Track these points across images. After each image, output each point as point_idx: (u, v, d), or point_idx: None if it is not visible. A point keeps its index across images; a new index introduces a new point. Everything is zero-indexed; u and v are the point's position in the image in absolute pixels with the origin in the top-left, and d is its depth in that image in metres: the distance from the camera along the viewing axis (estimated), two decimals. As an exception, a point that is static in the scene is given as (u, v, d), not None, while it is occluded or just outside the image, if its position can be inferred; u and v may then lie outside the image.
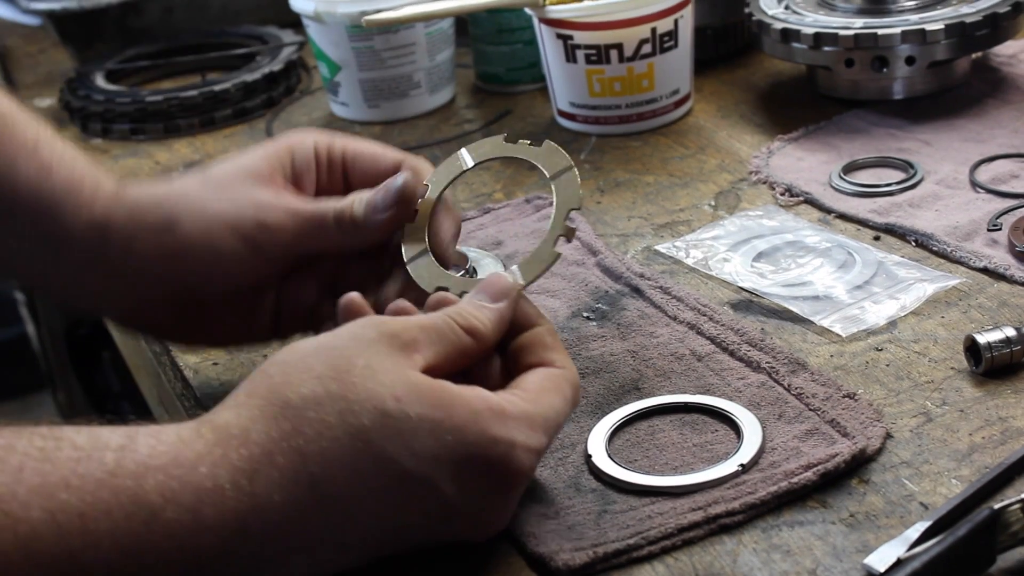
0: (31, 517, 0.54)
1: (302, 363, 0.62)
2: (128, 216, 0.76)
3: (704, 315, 0.83)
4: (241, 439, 0.59)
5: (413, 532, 0.62)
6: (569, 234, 0.73)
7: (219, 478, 0.58)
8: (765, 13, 1.13)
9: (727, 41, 1.26)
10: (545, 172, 0.75)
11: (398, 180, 0.76)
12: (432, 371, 0.63)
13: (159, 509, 0.56)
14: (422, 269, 0.75)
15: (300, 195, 0.78)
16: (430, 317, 0.66)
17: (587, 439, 0.73)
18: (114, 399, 2.04)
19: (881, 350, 0.79)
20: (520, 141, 0.77)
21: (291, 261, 0.77)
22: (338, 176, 0.79)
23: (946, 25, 1.04)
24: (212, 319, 0.67)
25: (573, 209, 0.73)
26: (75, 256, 0.77)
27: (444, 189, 0.78)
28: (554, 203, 0.74)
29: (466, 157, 0.78)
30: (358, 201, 0.76)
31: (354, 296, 0.70)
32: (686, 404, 0.75)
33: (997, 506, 0.61)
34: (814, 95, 1.15)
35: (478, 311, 0.67)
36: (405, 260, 0.76)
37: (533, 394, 0.65)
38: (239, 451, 0.59)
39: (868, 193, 0.97)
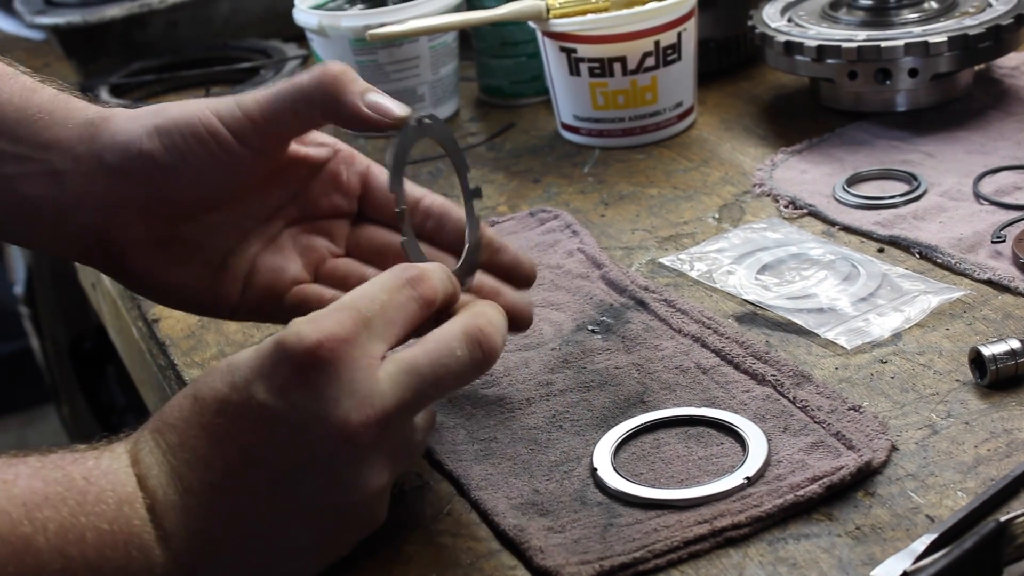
0: None
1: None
2: (120, 112, 0.77)
3: (709, 328, 0.83)
4: (129, 435, 0.65)
5: (301, 473, 0.62)
6: (477, 193, 0.78)
7: (121, 459, 0.63)
8: (768, 26, 1.13)
9: (730, 54, 1.27)
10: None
11: (401, 107, 0.76)
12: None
13: (85, 490, 0.60)
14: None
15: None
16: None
17: (593, 452, 0.73)
18: (119, 413, 2.04)
19: (886, 362, 0.79)
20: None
21: (269, 156, 0.75)
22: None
23: (949, 37, 1.05)
24: (182, 248, 0.69)
25: (464, 168, 0.79)
26: (54, 161, 0.75)
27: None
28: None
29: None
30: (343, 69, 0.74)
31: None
32: (691, 417, 0.75)
33: (1003, 518, 0.61)
34: (817, 107, 1.16)
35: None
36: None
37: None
38: (126, 442, 0.65)
39: (872, 205, 0.97)
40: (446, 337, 0.65)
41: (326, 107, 0.73)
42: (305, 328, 0.62)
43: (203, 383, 0.64)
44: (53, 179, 0.75)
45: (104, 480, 0.61)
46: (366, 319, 0.64)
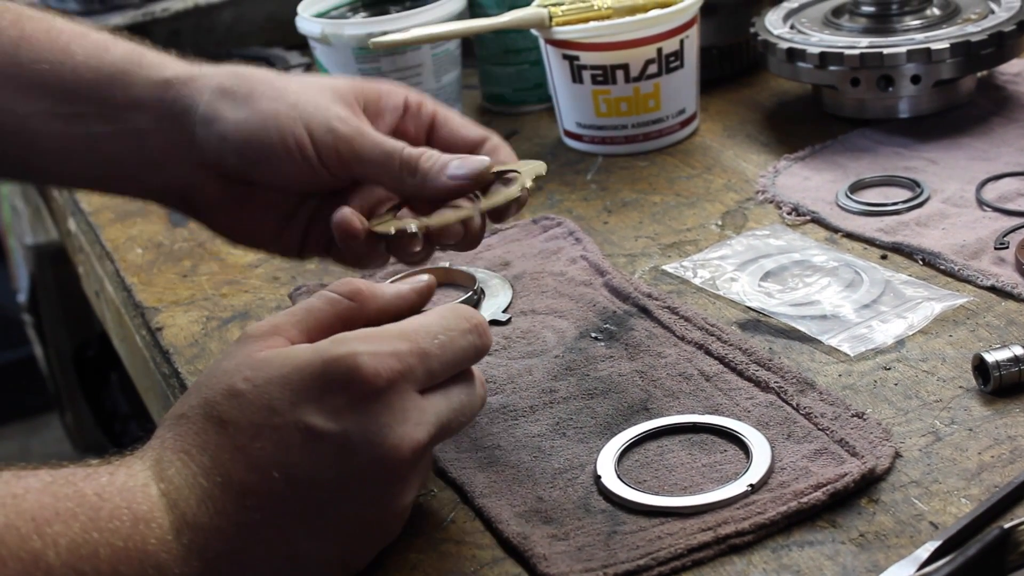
0: None
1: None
2: (200, 77, 0.79)
3: (712, 335, 0.83)
4: (143, 453, 0.64)
5: (344, 492, 0.63)
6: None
7: (138, 477, 0.62)
8: (771, 33, 1.13)
9: (733, 61, 1.27)
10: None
11: (484, 161, 0.78)
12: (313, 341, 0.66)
13: (98, 506, 0.59)
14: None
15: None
16: (308, 300, 0.69)
17: (596, 460, 0.73)
18: (122, 420, 2.04)
19: (889, 369, 0.79)
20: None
21: (341, 178, 0.78)
22: (422, 132, 0.81)
23: (951, 44, 1.05)
24: (254, 207, 0.73)
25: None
26: (137, 120, 0.78)
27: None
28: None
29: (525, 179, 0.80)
30: (428, 156, 0.77)
31: (346, 211, 0.75)
32: (695, 424, 0.75)
33: (1007, 525, 0.61)
34: (820, 114, 1.16)
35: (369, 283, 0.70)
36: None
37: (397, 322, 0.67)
38: (143, 460, 0.63)
39: (875, 212, 0.97)
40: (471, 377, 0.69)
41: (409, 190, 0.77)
42: (364, 357, 0.63)
43: (223, 405, 0.63)
44: (137, 138, 0.78)
45: (119, 497, 0.60)
46: (424, 353, 0.65)
